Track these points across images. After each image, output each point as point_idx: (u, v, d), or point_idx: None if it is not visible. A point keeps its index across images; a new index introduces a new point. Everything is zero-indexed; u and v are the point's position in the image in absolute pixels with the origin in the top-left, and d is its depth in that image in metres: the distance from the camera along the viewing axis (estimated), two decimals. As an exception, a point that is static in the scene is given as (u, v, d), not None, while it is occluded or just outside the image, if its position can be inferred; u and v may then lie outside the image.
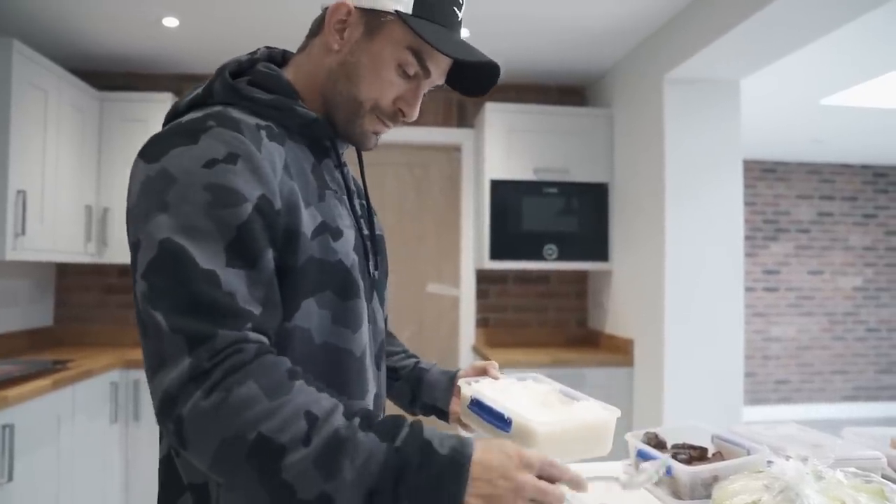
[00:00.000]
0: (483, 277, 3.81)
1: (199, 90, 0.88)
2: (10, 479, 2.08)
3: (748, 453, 1.20)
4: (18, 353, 3.03)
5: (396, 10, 0.84)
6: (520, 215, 3.43)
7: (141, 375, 2.90)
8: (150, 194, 0.75)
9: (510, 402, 0.96)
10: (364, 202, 1.02)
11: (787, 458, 0.94)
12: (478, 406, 0.97)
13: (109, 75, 3.51)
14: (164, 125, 0.88)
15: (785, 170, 6.04)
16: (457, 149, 3.85)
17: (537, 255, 3.43)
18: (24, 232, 2.53)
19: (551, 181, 3.46)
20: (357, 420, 0.70)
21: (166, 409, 0.69)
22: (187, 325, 0.70)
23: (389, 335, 1.17)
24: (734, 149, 2.94)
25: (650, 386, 3.00)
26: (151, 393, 0.72)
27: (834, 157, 5.92)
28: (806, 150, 5.65)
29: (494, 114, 3.45)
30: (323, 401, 0.70)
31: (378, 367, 0.96)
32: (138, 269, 0.74)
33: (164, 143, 0.78)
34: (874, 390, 6.17)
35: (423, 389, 1.11)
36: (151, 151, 0.79)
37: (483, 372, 1.08)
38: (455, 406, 1.08)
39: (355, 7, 0.86)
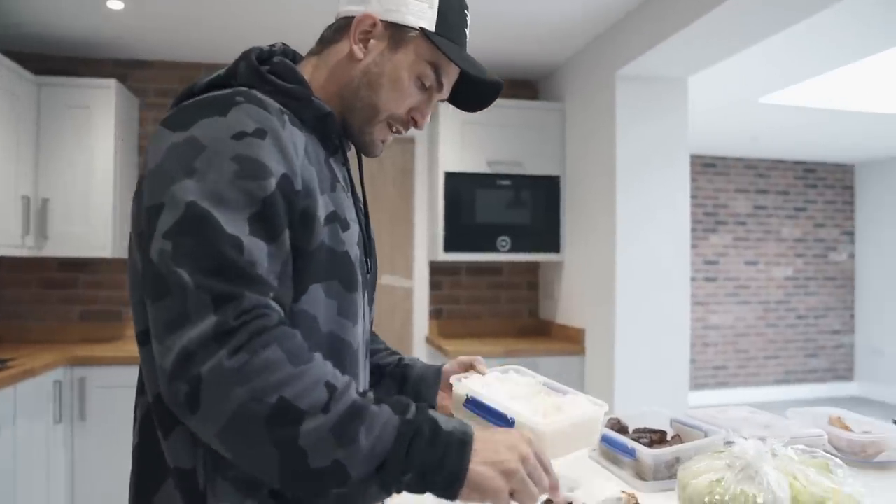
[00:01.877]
0: (436, 269, 3.83)
1: (221, 72, 0.89)
2: (-50, 483, 1.99)
3: (705, 435, 1.27)
4: (-49, 351, 2.88)
5: (421, 27, 0.91)
6: (473, 207, 3.47)
7: (87, 373, 2.80)
8: (177, 160, 0.75)
9: (503, 398, 0.98)
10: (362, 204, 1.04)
11: (745, 438, 1.00)
12: (475, 405, 0.98)
13: (48, 59, 3.34)
14: (176, 105, 0.88)
15: (724, 164, 6.30)
16: (410, 140, 3.85)
17: (491, 247, 3.48)
18: (-43, 224, 2.39)
19: (504, 174, 3.51)
20: (370, 394, 0.74)
21: (181, 368, 0.68)
22: (214, 285, 0.70)
23: (372, 333, 1.18)
24: (681, 144, 3.05)
25: (601, 373, 3.09)
26: (161, 353, 0.70)
27: (769, 153, 6.21)
28: (744, 146, 5.90)
29: (449, 106, 3.44)
30: (339, 375, 0.74)
31: (366, 364, 0.98)
32: (159, 229, 0.73)
33: (191, 114, 0.79)
34: (802, 373, 6.53)
35: (409, 385, 1.13)
36: (178, 120, 0.79)
37: (469, 367, 1.10)
38: (443, 400, 1.10)
39: (381, 20, 0.91)
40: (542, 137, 3.59)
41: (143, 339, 0.84)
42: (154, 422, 0.83)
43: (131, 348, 3.06)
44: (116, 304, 3.40)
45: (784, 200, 6.47)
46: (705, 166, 6.21)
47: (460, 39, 0.95)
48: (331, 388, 0.70)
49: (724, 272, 6.30)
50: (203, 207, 0.72)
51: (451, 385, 1.04)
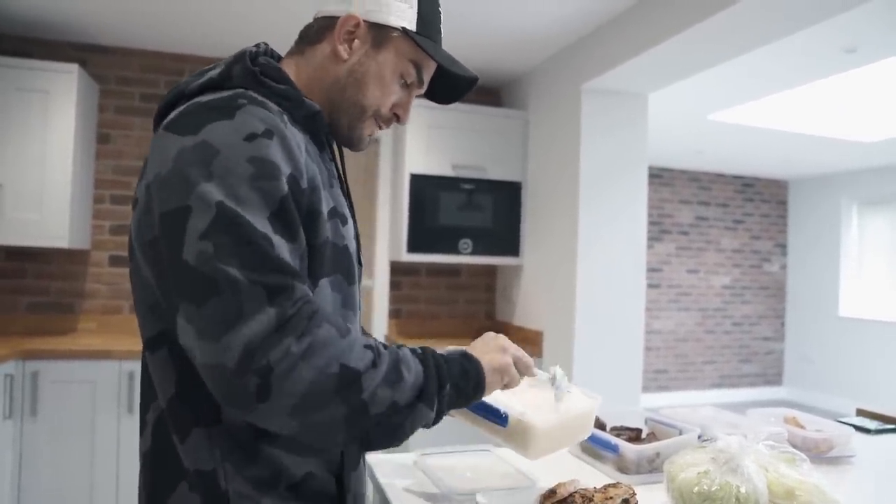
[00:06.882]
0: (396, 269, 3.87)
1: (215, 73, 0.89)
2: None
3: (680, 433, 1.37)
4: None
5: (403, 27, 0.95)
6: (437, 209, 3.52)
7: (40, 367, 2.70)
8: (191, 164, 0.77)
9: (496, 393, 1.02)
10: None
11: (727, 435, 1.09)
12: None
13: (0, 38, 3.19)
14: (167, 106, 0.89)
15: (669, 176, 6.57)
16: (375, 141, 3.87)
17: (453, 249, 3.54)
18: None
19: (468, 178, 3.58)
20: (390, 344, 0.87)
21: (248, 362, 0.71)
22: (264, 278, 0.74)
23: None
24: (641, 156, 3.19)
25: (559, 375, 3.19)
26: (217, 352, 0.72)
27: (711, 167, 6.51)
28: (689, 159, 6.17)
29: (415, 109, 3.49)
30: (366, 336, 0.86)
31: None
32: (191, 232, 0.74)
33: (198, 118, 0.81)
34: (736, 378, 6.88)
35: None
36: (184, 125, 0.81)
37: None
38: None
39: (364, 21, 0.94)
40: (505, 144, 3.67)
41: (153, 345, 0.85)
42: (168, 426, 0.84)
43: (86, 342, 2.97)
44: (69, 297, 3.28)
45: (724, 212, 6.80)
46: (652, 177, 6.46)
47: (437, 37, 0.99)
48: (370, 347, 0.81)
49: (668, 279, 6.56)
50: (232, 208, 0.74)
51: None
